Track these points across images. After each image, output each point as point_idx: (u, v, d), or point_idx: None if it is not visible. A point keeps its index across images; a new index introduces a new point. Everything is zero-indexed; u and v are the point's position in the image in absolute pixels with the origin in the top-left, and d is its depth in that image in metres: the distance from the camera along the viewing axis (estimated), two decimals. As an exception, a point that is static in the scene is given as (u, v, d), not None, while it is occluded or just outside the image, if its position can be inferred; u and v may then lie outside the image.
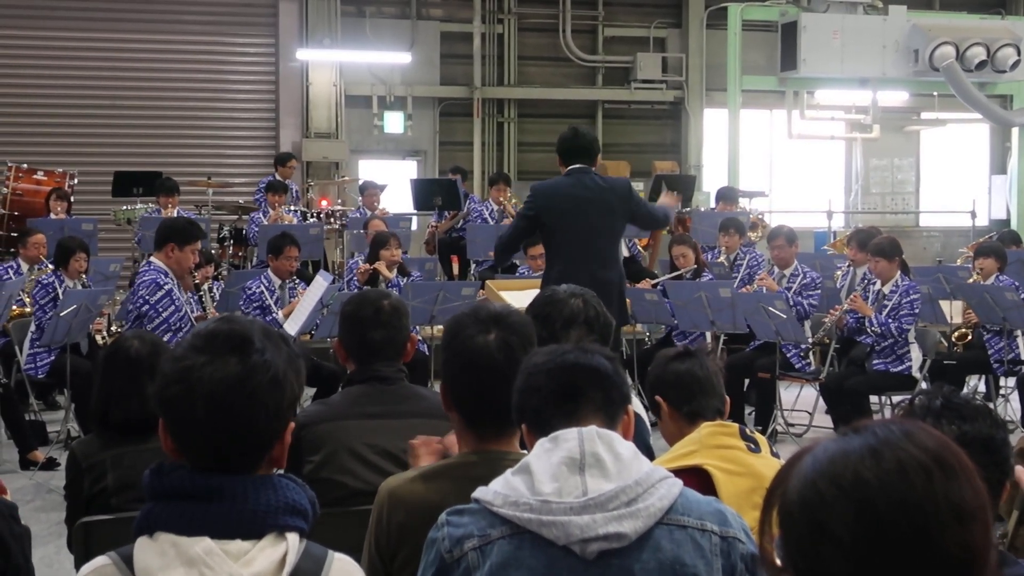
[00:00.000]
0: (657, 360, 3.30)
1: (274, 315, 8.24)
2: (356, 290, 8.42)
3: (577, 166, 6.22)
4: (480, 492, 2.09)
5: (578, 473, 2.01)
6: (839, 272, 9.62)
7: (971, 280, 8.95)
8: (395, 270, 8.74)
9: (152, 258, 6.91)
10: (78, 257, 8.45)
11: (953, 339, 8.95)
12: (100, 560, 1.86)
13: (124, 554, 1.85)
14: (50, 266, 8.75)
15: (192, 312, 7.10)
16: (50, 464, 7.42)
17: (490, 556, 2.02)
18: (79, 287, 8.39)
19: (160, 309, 6.73)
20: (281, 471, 1.96)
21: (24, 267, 9.14)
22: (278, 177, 13.02)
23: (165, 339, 6.51)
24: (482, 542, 2.04)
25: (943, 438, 1.34)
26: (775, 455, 3.15)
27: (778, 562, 1.33)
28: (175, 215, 11.43)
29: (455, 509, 2.11)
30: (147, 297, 6.72)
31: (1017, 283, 8.72)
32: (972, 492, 1.29)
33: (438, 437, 2.90)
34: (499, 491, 2.06)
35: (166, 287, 6.75)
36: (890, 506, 1.27)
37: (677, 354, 3.26)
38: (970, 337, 8.87)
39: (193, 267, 7.03)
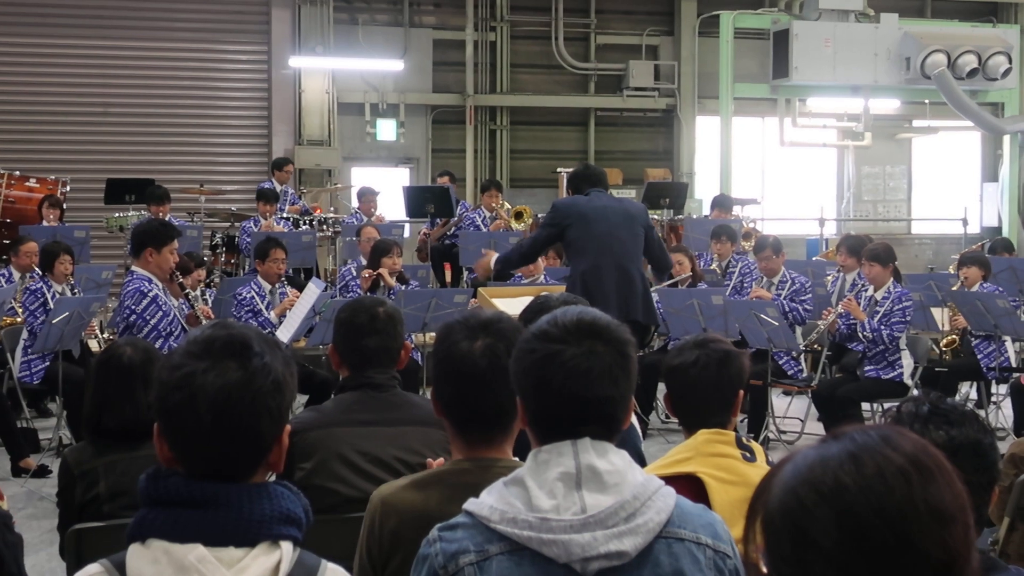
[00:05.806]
0: (668, 360, 3.24)
1: (266, 316, 8.25)
2: (355, 295, 8.43)
3: (594, 189, 7.01)
4: (473, 505, 2.05)
5: (575, 489, 1.99)
6: (829, 278, 9.64)
7: (955, 288, 8.98)
8: (394, 278, 8.77)
9: (133, 267, 6.81)
10: (62, 260, 8.44)
11: (941, 347, 8.96)
12: (92, 567, 1.85)
13: (116, 561, 1.84)
14: (37, 272, 8.72)
15: (183, 314, 7.04)
16: (42, 471, 7.40)
17: (488, 572, 1.99)
18: (67, 291, 8.38)
19: (147, 317, 6.66)
20: (276, 475, 1.95)
21: (16, 275, 9.12)
22: (275, 182, 13.05)
23: (156, 346, 6.48)
24: (479, 557, 2.00)
25: (921, 441, 1.35)
26: (771, 464, 3.12)
27: (764, 569, 1.34)
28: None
29: (446, 524, 2.07)
30: (133, 307, 6.65)
31: (1002, 289, 8.77)
32: (951, 494, 1.30)
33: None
34: (495, 506, 2.02)
35: (151, 294, 6.66)
36: (870, 511, 1.28)
37: (685, 361, 3.19)
38: (958, 344, 8.88)
39: (175, 266, 6.92)
